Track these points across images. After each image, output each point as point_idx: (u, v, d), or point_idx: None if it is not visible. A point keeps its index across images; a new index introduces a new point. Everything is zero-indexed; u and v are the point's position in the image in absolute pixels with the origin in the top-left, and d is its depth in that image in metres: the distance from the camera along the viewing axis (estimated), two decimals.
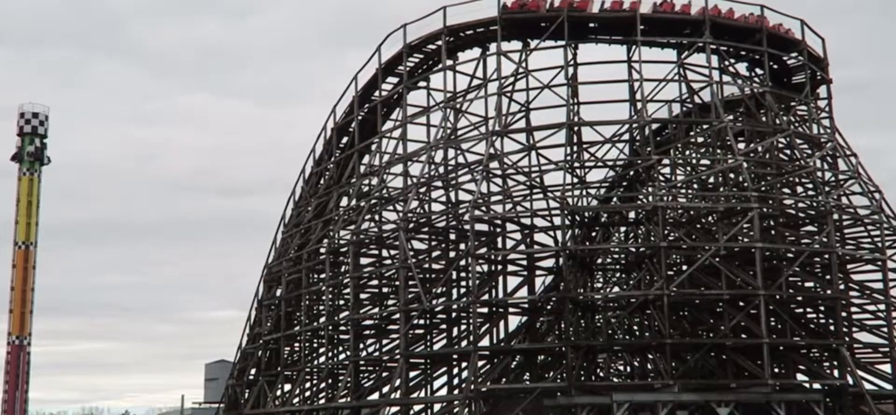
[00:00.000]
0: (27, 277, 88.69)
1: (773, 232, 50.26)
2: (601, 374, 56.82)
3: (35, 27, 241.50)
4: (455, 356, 52.40)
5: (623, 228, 57.87)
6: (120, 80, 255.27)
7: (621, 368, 59.79)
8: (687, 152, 55.41)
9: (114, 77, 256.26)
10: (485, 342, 51.35)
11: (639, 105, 51.26)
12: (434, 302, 52.16)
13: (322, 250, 57.48)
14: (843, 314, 48.94)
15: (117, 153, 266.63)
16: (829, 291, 48.83)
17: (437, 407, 52.60)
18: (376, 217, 55.45)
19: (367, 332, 56.05)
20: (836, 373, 47.95)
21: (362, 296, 56.07)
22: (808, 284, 52.60)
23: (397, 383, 48.64)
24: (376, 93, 58.07)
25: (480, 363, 48.72)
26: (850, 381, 45.93)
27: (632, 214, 54.73)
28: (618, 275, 59.12)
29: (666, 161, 54.51)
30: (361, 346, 54.99)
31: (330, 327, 55.09)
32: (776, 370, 47.18)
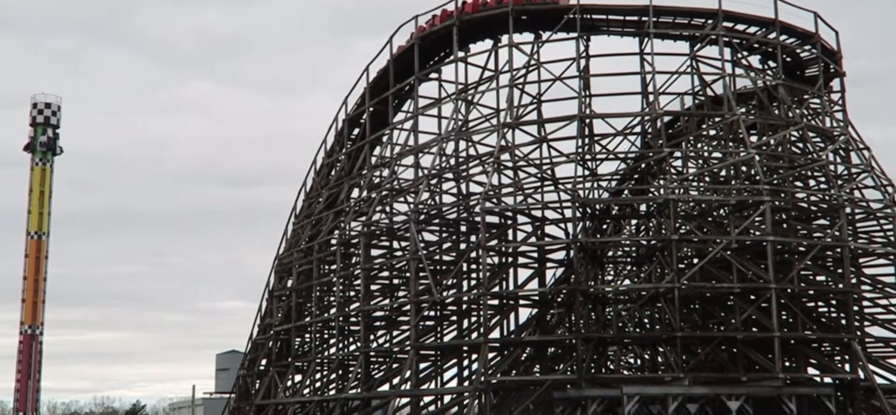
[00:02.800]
0: (39, 267, 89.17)
1: (784, 225, 50.09)
2: (611, 366, 56.76)
3: (39, 16, 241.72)
4: (465, 348, 52.43)
5: (634, 221, 57.73)
6: (125, 70, 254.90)
7: (631, 361, 59.70)
8: (699, 145, 55.24)
9: (118, 66, 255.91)
10: (495, 334, 51.34)
11: (651, 97, 51.19)
12: (445, 294, 52.19)
13: (333, 242, 57.58)
14: (855, 308, 48.77)
15: (123, 143, 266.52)
16: (840, 285, 48.63)
17: (447, 399, 52.64)
18: (387, 209, 55.48)
19: (377, 323, 56.12)
20: (847, 367, 47.78)
21: (373, 287, 56.13)
22: (819, 278, 52.41)
23: (407, 374, 48.70)
24: (387, 84, 58.08)
25: (491, 355, 48.72)
26: (862, 375, 45.74)
27: (643, 207, 54.58)
28: (629, 268, 59.03)
29: (678, 154, 54.32)
30: (372, 337, 55.05)
31: (340, 319, 55.19)
32: (787, 364, 47.05)
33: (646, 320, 56.68)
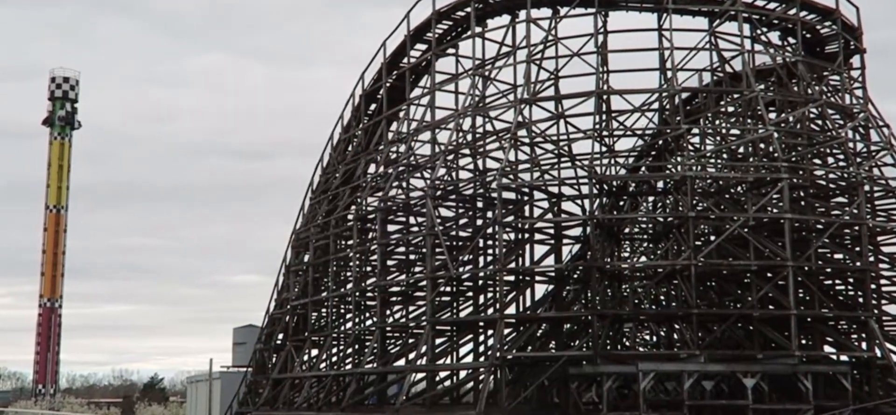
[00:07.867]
0: (58, 241, 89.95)
1: (802, 203, 49.87)
2: (627, 343, 56.82)
3: None
4: (481, 324, 52.57)
5: (651, 198, 57.61)
6: (129, 40, 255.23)
7: (647, 337, 59.73)
8: (717, 122, 55.00)
9: (122, 36, 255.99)
10: (511, 310, 51.41)
11: (669, 74, 50.95)
12: (461, 269, 52.27)
13: (350, 217, 57.73)
14: (873, 286, 48.54)
15: (131, 115, 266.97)
16: (858, 263, 48.43)
17: (462, 374, 52.86)
18: (404, 184, 55.54)
19: (393, 298, 56.30)
20: (863, 345, 47.63)
21: (389, 263, 56.26)
22: (837, 256, 52.18)
23: (423, 349, 48.89)
24: (405, 59, 58.05)
25: (506, 331, 48.83)
26: (878, 353, 45.60)
27: (660, 184, 54.43)
28: (645, 244, 58.95)
29: (695, 131, 54.14)
30: (388, 312, 55.27)
31: (357, 294, 55.39)
32: (803, 342, 46.92)
33: (662, 297, 56.67)
